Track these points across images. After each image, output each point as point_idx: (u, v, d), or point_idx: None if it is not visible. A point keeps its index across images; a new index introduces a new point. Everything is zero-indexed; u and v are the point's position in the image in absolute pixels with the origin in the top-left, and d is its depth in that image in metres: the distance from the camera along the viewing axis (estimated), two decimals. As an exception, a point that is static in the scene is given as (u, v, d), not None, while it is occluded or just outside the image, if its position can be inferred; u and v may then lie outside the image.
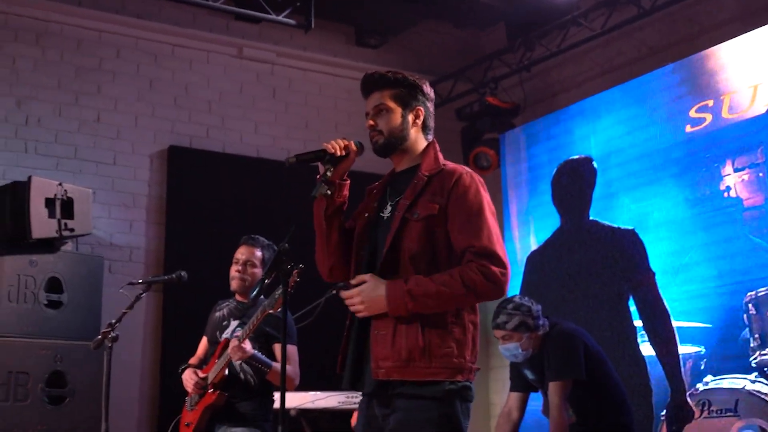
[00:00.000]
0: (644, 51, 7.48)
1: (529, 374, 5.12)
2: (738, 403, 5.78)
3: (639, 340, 6.58)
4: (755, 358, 5.77)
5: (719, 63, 6.34)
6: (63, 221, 6.21)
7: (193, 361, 5.14)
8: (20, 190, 6.16)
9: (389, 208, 3.30)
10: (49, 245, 6.29)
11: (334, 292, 5.29)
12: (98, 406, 4.63)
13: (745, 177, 6.04)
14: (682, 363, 6.23)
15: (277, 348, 4.86)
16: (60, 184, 6.30)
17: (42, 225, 6.13)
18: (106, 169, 7.29)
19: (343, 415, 5.63)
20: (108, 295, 6.41)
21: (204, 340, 5.23)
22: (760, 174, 5.95)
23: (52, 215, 6.19)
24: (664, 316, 6.40)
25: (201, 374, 4.93)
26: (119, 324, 4.62)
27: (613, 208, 6.99)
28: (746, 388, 5.77)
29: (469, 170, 3.28)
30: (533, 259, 7.69)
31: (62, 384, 6.12)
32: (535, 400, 5.30)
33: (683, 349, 6.24)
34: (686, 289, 6.29)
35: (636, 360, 6.53)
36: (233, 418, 4.86)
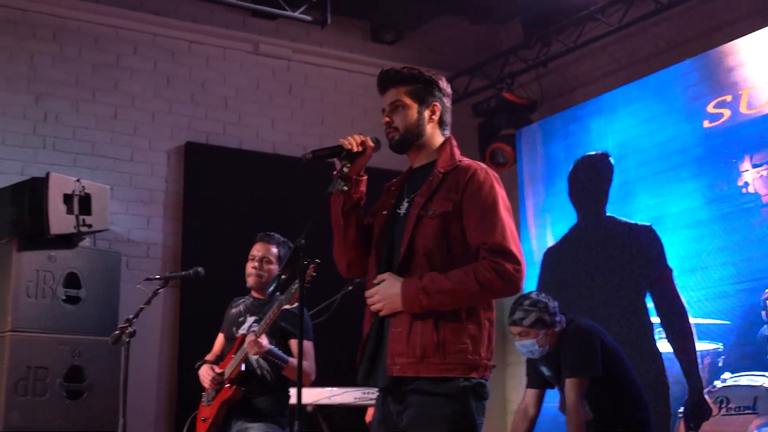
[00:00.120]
0: (662, 46, 7.44)
1: (545, 371, 5.10)
2: (756, 400, 5.76)
3: (656, 336, 6.56)
4: (774, 355, 5.75)
5: (737, 58, 6.30)
6: (81, 217, 6.24)
7: (209, 357, 5.16)
8: (38, 186, 6.19)
9: (405, 205, 3.31)
10: (67, 241, 6.31)
11: (350, 288, 5.33)
12: (116, 400, 4.66)
13: (764, 173, 6.01)
14: (699, 360, 6.20)
15: (294, 343, 4.87)
16: (78, 180, 6.32)
17: (60, 221, 6.16)
18: (124, 166, 7.32)
19: (359, 411, 5.63)
20: (125, 290, 6.43)
21: (220, 337, 5.25)
22: (779, 170, 5.93)
23: (70, 211, 6.21)
24: (681, 313, 6.38)
25: (218, 370, 4.95)
26: (137, 319, 4.64)
27: (630, 204, 6.96)
28: (765, 385, 5.74)
29: (485, 166, 3.27)
30: (550, 255, 7.67)
31: (80, 379, 6.14)
32: (552, 397, 5.29)
33: (701, 346, 6.22)
34: (704, 286, 6.26)
35: (653, 357, 6.51)
36: (250, 413, 4.87)
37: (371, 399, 5.23)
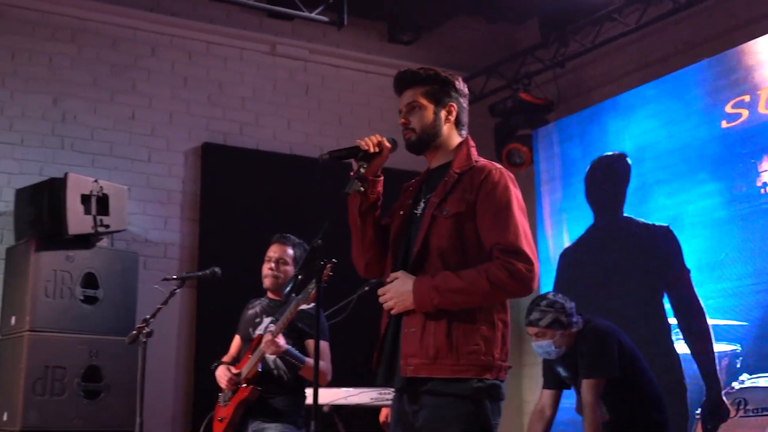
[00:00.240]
0: (680, 46, 7.41)
1: (562, 371, 5.09)
2: (775, 402, 5.73)
3: (674, 337, 6.53)
4: (792, 357, 5.72)
5: (756, 58, 6.27)
6: (99, 217, 6.27)
7: (226, 359, 5.17)
8: (57, 187, 6.23)
9: (422, 205, 3.32)
10: (85, 241, 6.35)
11: (367, 288, 5.34)
12: (133, 400, 4.66)
13: (783, 173, 5.99)
14: (717, 361, 6.17)
15: (310, 344, 4.88)
16: (96, 181, 6.36)
17: (78, 221, 6.19)
18: (141, 166, 7.35)
19: (375, 411, 5.64)
20: (143, 290, 6.46)
21: (236, 339, 5.26)
22: (798, 170, 5.90)
23: (88, 211, 6.25)
24: (699, 314, 6.35)
25: (234, 370, 4.96)
26: (154, 319, 4.66)
27: (647, 205, 6.94)
28: (783, 387, 5.72)
29: (500, 166, 3.27)
30: (566, 256, 7.65)
31: (98, 378, 6.18)
32: (569, 397, 5.28)
33: (719, 347, 6.19)
34: (722, 287, 6.23)
35: (671, 358, 6.48)
36: (266, 413, 4.88)
37: (387, 399, 5.24)
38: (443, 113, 3.33)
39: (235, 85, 7.87)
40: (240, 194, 7.56)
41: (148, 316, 4.65)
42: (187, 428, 7.05)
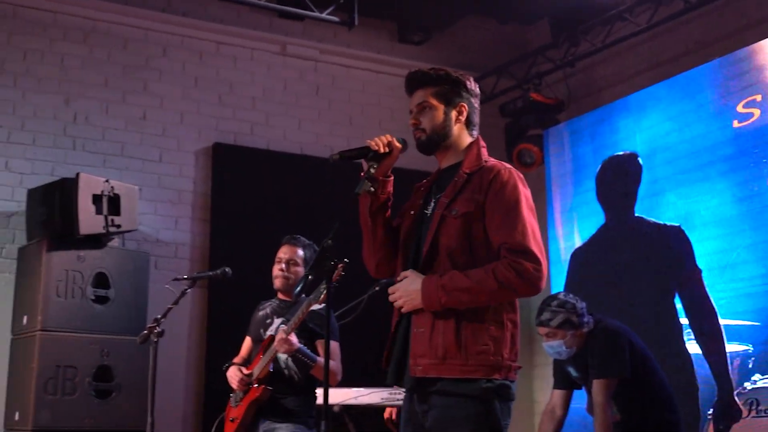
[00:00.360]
0: (691, 46, 7.39)
1: (572, 372, 5.09)
2: (787, 402, 5.71)
3: (685, 337, 6.51)
4: (804, 357, 5.70)
5: (767, 57, 6.25)
6: (110, 217, 6.29)
7: (236, 360, 5.18)
8: (68, 187, 6.25)
9: (432, 205, 3.32)
10: (97, 241, 6.37)
11: (377, 288, 5.34)
12: (144, 400, 4.68)
13: (794, 173, 5.97)
14: (729, 361, 6.15)
15: (320, 344, 4.89)
16: (107, 181, 6.37)
17: (89, 221, 6.21)
18: (152, 166, 7.37)
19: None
20: (154, 290, 6.47)
21: (247, 340, 5.27)
22: (810, 170, 5.87)
23: (99, 211, 6.26)
24: (711, 314, 6.33)
25: (246, 371, 4.97)
26: (165, 319, 4.67)
27: (659, 205, 6.92)
28: (795, 387, 5.70)
29: (509, 166, 3.27)
30: (577, 256, 7.64)
31: (109, 378, 6.19)
32: (580, 397, 5.27)
33: (731, 348, 6.17)
34: (734, 287, 6.21)
35: (682, 358, 6.46)
36: (278, 413, 4.89)
37: (398, 399, 5.24)
38: (454, 113, 3.33)
39: (246, 85, 7.88)
40: (250, 194, 7.57)
41: (159, 316, 4.67)
42: (197, 428, 7.06)
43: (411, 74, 3.39)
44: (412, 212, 3.40)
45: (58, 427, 5.94)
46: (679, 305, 6.60)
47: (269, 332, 5.01)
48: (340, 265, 4.05)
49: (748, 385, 5.99)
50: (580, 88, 8.30)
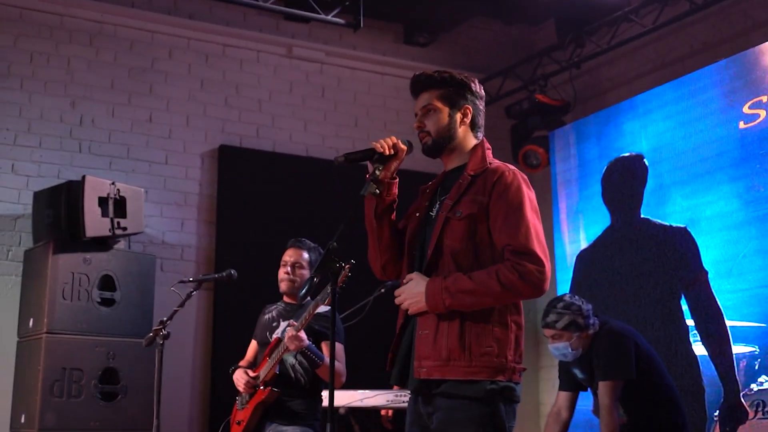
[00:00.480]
0: (697, 47, 7.38)
1: (578, 373, 5.08)
2: (794, 404, 5.70)
3: (691, 339, 6.50)
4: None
5: (774, 58, 6.24)
6: (116, 220, 6.30)
7: (242, 364, 5.19)
8: (74, 189, 6.26)
9: (437, 207, 3.33)
10: (103, 243, 6.38)
11: (383, 290, 5.34)
12: (150, 402, 4.68)
13: (801, 174, 5.95)
14: (735, 363, 6.14)
15: (326, 345, 4.90)
16: (113, 183, 6.38)
17: (95, 223, 6.22)
18: (158, 169, 7.38)
19: (401, 414, 5.63)
20: (160, 292, 6.48)
21: (253, 344, 5.28)
22: (816, 171, 5.86)
23: (105, 214, 6.28)
24: (717, 316, 6.32)
25: (252, 374, 4.98)
26: (171, 322, 4.68)
27: (665, 206, 6.91)
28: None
29: (513, 168, 3.28)
30: (583, 257, 7.63)
31: (115, 381, 6.20)
32: (586, 399, 5.26)
33: (737, 349, 6.16)
34: (740, 288, 6.20)
35: (688, 360, 6.45)
36: (284, 415, 4.90)
37: (404, 402, 5.23)
38: (458, 116, 3.34)
39: (252, 87, 7.89)
40: (256, 196, 7.57)
41: (164, 319, 4.68)
42: (203, 431, 7.07)
43: (415, 77, 3.40)
44: (418, 214, 3.41)
45: (63, 429, 5.95)
46: (685, 307, 6.59)
47: (275, 335, 5.02)
48: (347, 266, 4.06)
49: (754, 387, 5.98)
50: (586, 90, 8.29)
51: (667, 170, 6.93)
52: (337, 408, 5.26)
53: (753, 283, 6.11)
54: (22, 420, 6.03)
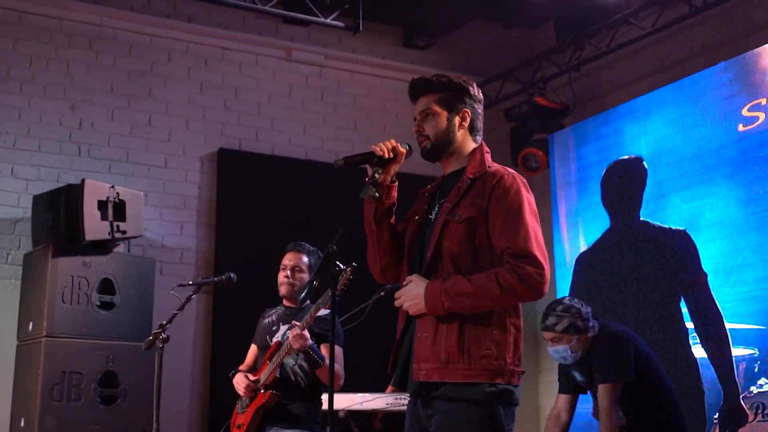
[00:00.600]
0: (696, 49, 7.38)
1: (577, 376, 5.08)
2: (793, 406, 5.70)
3: (691, 342, 6.50)
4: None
5: (772, 61, 6.25)
6: (115, 223, 6.29)
7: (242, 368, 5.19)
8: (74, 193, 6.26)
9: (436, 210, 3.33)
10: (102, 247, 6.37)
11: (382, 293, 5.34)
12: (150, 406, 4.68)
13: (800, 177, 5.95)
14: (735, 365, 6.14)
15: (325, 348, 4.90)
16: (112, 187, 6.38)
17: (95, 227, 6.21)
18: (158, 172, 7.37)
19: (391, 416, 5.63)
20: (159, 296, 6.48)
21: (253, 348, 5.28)
22: (815, 174, 5.86)
23: (104, 217, 6.27)
24: (716, 318, 6.32)
25: (252, 377, 4.98)
26: (170, 325, 4.68)
27: (664, 209, 6.91)
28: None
29: (512, 171, 3.28)
30: (583, 260, 7.63)
31: (114, 384, 6.19)
32: (585, 402, 5.26)
33: (736, 352, 6.16)
34: (739, 291, 6.20)
35: (688, 362, 6.45)
36: (285, 419, 4.91)
37: (403, 405, 5.23)
38: (457, 120, 3.35)
39: (251, 90, 7.89)
40: (255, 199, 7.58)
41: (164, 322, 4.68)
42: (203, 433, 7.08)
43: (414, 81, 3.41)
44: (417, 217, 3.41)
45: (63, 432, 5.95)
46: (684, 309, 6.59)
47: (276, 338, 5.02)
48: (348, 269, 4.06)
49: (754, 389, 5.98)
50: (585, 92, 8.29)
51: (667, 173, 6.93)
52: (337, 411, 5.26)
53: (752, 286, 6.11)
54: (22, 424, 6.03)
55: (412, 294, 3.19)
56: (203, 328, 7.27)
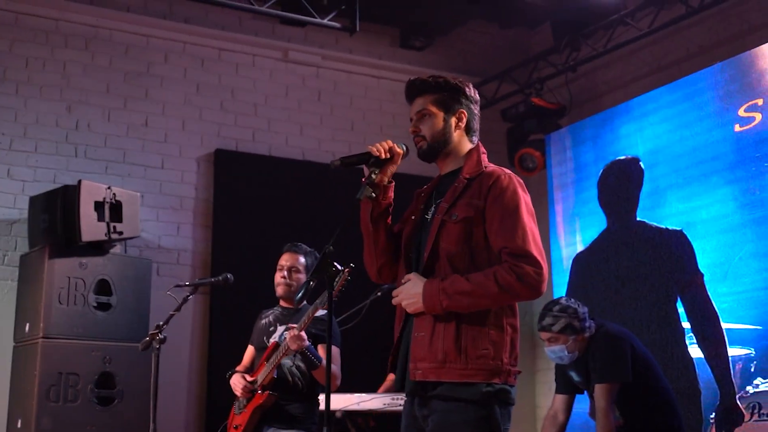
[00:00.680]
0: (692, 50, 7.39)
1: (574, 376, 5.09)
2: (789, 406, 5.70)
3: (687, 342, 6.51)
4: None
5: (769, 61, 6.25)
6: (112, 224, 6.29)
7: (239, 369, 5.19)
8: (70, 194, 6.25)
9: (432, 210, 3.33)
10: (99, 248, 6.37)
11: (379, 294, 5.35)
12: (146, 407, 4.68)
13: (796, 177, 5.96)
14: (731, 365, 6.15)
15: (321, 348, 4.90)
16: (109, 188, 6.37)
17: (91, 228, 6.21)
18: (154, 173, 7.37)
19: (388, 416, 5.63)
20: (156, 297, 6.47)
21: (250, 349, 5.28)
22: (811, 174, 5.86)
23: (101, 218, 6.27)
24: (713, 318, 6.32)
25: (249, 378, 4.98)
26: (167, 326, 4.68)
27: (660, 209, 6.92)
28: (798, 391, 5.69)
29: (509, 172, 3.29)
30: (579, 260, 7.64)
31: (111, 385, 6.18)
32: (582, 402, 5.26)
33: (732, 351, 6.16)
34: (735, 291, 6.21)
35: (684, 362, 6.46)
36: (282, 419, 4.91)
37: (399, 405, 5.24)
38: (453, 120, 3.35)
39: (248, 91, 7.89)
40: (252, 200, 7.58)
41: (161, 323, 4.68)
42: (200, 434, 7.07)
43: (410, 82, 3.41)
44: (413, 218, 3.42)
45: (60, 433, 5.94)
46: (681, 309, 6.59)
47: (273, 339, 5.02)
48: (346, 270, 4.06)
49: (750, 389, 5.99)
50: (582, 93, 8.30)
51: (663, 173, 6.94)
52: (334, 411, 5.26)
53: (749, 286, 6.12)
54: (19, 425, 6.02)
55: (410, 292, 3.19)
56: (200, 328, 7.27)
